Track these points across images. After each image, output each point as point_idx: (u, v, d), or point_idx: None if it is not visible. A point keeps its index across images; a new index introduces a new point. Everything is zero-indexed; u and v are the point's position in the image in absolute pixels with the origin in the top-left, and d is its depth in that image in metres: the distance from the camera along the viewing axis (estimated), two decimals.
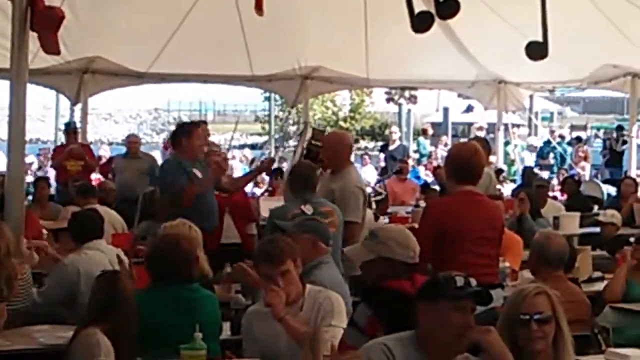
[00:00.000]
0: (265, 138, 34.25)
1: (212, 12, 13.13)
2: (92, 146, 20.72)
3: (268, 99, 34.40)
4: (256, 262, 5.63)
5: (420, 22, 9.14)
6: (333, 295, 5.56)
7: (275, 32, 13.43)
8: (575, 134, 31.83)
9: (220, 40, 13.95)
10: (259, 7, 8.86)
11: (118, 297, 5.24)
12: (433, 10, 9.08)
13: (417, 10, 9.14)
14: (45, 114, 49.25)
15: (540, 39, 10.10)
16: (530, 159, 22.55)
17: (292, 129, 35.24)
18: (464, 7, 12.96)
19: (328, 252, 6.25)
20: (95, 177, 14.77)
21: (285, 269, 5.40)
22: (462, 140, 22.76)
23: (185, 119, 23.23)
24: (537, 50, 9.97)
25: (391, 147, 19.91)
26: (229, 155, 20.62)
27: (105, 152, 20.76)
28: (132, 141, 14.64)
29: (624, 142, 19.27)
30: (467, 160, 6.40)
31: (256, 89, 20.44)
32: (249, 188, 17.74)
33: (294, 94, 16.03)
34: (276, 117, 35.90)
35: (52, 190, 13.42)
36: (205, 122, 16.60)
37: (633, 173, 15.62)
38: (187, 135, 9.09)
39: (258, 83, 16.26)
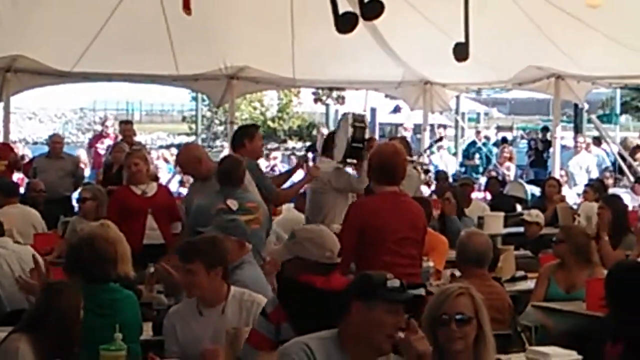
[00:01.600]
0: (193, 138, 34.07)
1: (137, 11, 13.02)
2: (17, 145, 20.55)
3: (195, 98, 34.23)
4: None
5: (345, 23, 9.14)
6: (257, 296, 5.55)
7: (201, 31, 13.36)
8: (501, 135, 32.14)
9: (145, 40, 13.84)
10: (186, 7, 8.79)
11: (53, 309, 5.10)
12: (358, 11, 9.07)
13: (341, 10, 9.14)
14: None
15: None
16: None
17: (220, 129, 34.97)
18: (390, 8, 13.02)
19: (250, 251, 6.23)
20: (18, 176, 14.56)
21: (189, 269, 5.41)
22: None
23: (112, 118, 22.94)
24: (461, 52, 10.06)
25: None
26: (154, 155, 20.55)
27: (27, 152, 20.42)
28: (55, 141, 14.53)
29: (548, 143, 19.48)
30: (387, 161, 6.43)
31: (184, 88, 20.27)
32: (174, 187, 17.67)
33: (220, 94, 15.96)
34: (204, 116, 35.70)
35: None
36: (130, 122, 16.61)
37: (557, 174, 15.82)
38: (249, 137, 9.50)
39: (184, 83, 16.16)
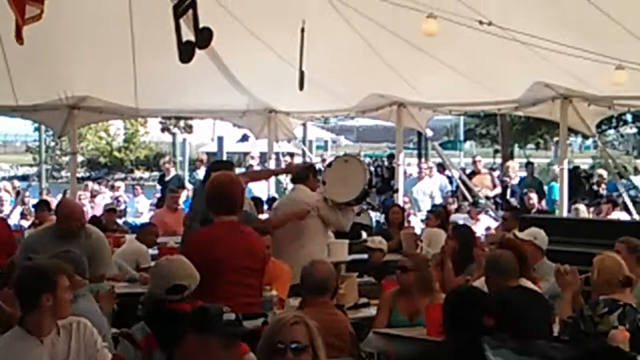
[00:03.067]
0: (36, 169, 33.35)
1: None
2: None
3: (38, 129, 33.57)
4: None
5: (185, 52, 9.08)
6: (83, 320, 5.41)
7: (40, 61, 13.07)
8: None
9: None
10: (18, 36, 8.56)
11: None
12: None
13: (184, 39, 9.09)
14: None
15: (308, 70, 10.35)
16: None
17: (65, 159, 34.36)
18: (234, 38, 13.11)
19: (85, 285, 6.08)
20: None
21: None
22: (238, 170, 22.83)
23: None
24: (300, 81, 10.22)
25: (166, 178, 19.74)
26: None
27: None
28: None
29: (394, 170, 19.72)
30: (221, 191, 6.39)
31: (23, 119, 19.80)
32: (15, 220, 17.24)
33: (61, 124, 15.61)
34: (48, 147, 35.02)
35: None
36: None
37: (400, 200, 16.04)
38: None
39: (22, 113, 15.74)
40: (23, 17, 6.59)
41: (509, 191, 18.94)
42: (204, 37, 8.76)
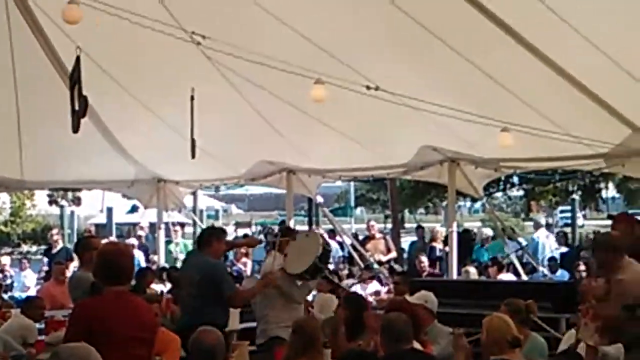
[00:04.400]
0: None
1: None
2: None
3: None
4: None
5: (73, 122, 8.98)
6: None
7: None
8: (240, 232, 32.35)
9: None
10: None
11: None
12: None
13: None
14: None
15: (197, 138, 10.32)
16: None
17: None
18: (120, 107, 13.03)
19: None
20: None
21: None
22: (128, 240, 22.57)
23: None
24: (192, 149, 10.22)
25: (54, 251, 19.38)
26: None
27: None
28: None
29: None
30: (112, 261, 6.27)
31: None
32: None
33: None
34: None
35: None
36: None
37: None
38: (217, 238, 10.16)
39: None
40: None
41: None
42: (82, 105, 8.72)
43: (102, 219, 39.73)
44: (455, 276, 13.95)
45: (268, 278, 10.13)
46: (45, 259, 20.58)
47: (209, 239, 10.10)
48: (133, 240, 21.47)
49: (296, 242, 10.36)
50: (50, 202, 39.51)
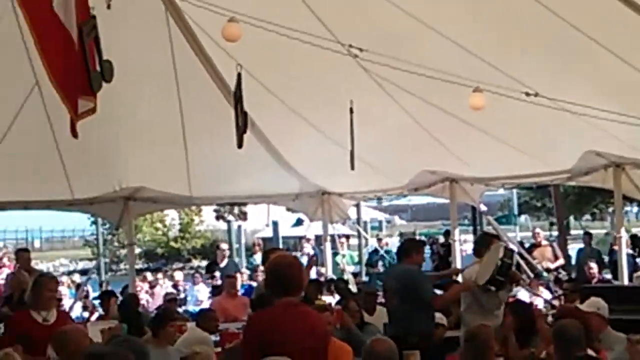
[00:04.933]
0: (95, 262, 33.64)
1: (27, 137, 12.81)
2: None
3: (95, 222, 33.90)
4: None
5: (240, 138, 9.23)
6: None
7: (94, 154, 13.24)
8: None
9: (38, 165, 13.66)
10: (73, 130, 8.73)
11: None
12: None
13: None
14: None
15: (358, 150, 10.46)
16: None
17: (123, 252, 34.61)
18: (282, 122, 13.24)
19: None
20: None
21: None
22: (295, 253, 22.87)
23: (11, 247, 22.64)
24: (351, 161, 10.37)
25: (222, 265, 19.80)
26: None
27: None
28: None
29: (449, 247, 19.63)
30: (281, 272, 6.39)
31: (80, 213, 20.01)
32: (77, 312, 17.40)
33: (118, 216, 15.76)
34: (105, 240, 35.37)
35: None
36: (26, 250, 16.31)
37: (460, 277, 15.88)
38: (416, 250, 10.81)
39: (80, 207, 15.84)
40: (76, 111, 6.68)
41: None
42: (243, 121, 8.94)
43: (268, 232, 40.31)
44: (626, 282, 13.66)
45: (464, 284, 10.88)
46: (218, 273, 21.07)
47: (408, 251, 10.68)
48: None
49: (490, 252, 10.68)
50: (217, 218, 40.38)
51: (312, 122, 13.36)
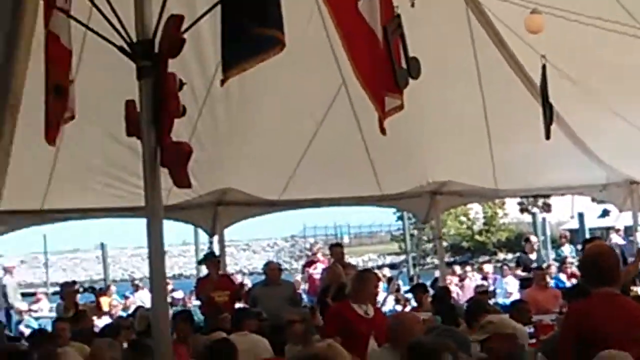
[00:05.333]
0: (403, 257, 34.26)
1: (335, 135, 13.29)
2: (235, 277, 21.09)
3: (401, 217, 34.53)
4: None
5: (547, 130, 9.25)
6: None
7: (400, 150, 13.49)
8: None
9: (346, 162, 14.09)
10: (381, 127, 9.02)
11: None
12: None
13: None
14: (185, 249, 50.29)
15: None
16: None
17: (429, 246, 35.07)
18: (587, 111, 13.04)
19: None
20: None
21: None
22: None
23: (321, 243, 23.55)
24: None
25: (532, 257, 19.73)
26: None
27: (247, 282, 20.94)
28: (271, 268, 14.68)
29: None
30: (597, 262, 6.33)
31: (389, 208, 20.43)
32: (389, 306, 17.84)
33: (425, 211, 16.03)
34: (411, 235, 35.92)
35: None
36: (340, 245, 16.90)
37: None
38: None
39: (388, 202, 16.21)
40: (383, 109, 6.85)
41: None
42: (548, 112, 8.91)
43: (573, 224, 39.59)
44: None
45: None
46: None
47: None
48: None
49: None
50: (522, 210, 40.09)
51: (618, 111, 13.08)
